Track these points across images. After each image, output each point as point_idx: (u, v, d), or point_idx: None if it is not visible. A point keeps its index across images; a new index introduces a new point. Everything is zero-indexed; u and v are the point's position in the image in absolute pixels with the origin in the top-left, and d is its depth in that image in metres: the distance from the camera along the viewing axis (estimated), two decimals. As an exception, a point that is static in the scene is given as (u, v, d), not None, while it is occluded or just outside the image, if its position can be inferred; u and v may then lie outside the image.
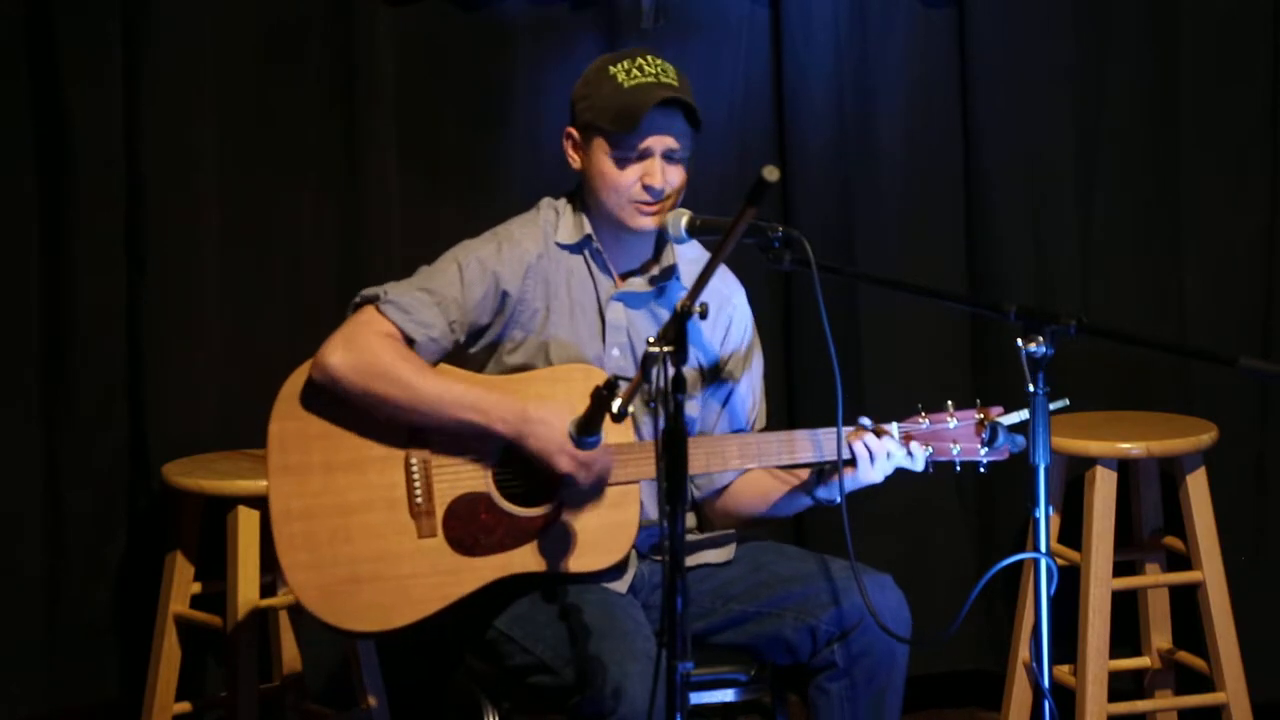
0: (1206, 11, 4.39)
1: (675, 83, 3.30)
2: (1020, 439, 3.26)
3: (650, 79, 3.29)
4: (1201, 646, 4.15)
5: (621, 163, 3.29)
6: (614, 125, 3.27)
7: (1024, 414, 3.14)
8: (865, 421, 3.29)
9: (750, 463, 3.34)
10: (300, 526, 3.23)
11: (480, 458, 3.27)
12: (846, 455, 3.25)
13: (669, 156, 3.30)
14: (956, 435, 3.31)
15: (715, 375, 3.46)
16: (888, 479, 3.31)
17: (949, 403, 3.32)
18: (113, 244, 4.12)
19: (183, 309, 4.16)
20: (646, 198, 3.29)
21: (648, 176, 3.29)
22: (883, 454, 3.26)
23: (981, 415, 3.31)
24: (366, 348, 3.23)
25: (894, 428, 3.30)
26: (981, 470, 3.36)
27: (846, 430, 3.25)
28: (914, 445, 3.29)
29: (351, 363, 3.22)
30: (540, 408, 3.21)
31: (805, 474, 3.38)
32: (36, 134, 4.07)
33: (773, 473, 3.43)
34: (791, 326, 4.41)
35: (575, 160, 3.36)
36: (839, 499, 3.23)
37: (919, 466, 3.30)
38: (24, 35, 4.04)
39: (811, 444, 3.31)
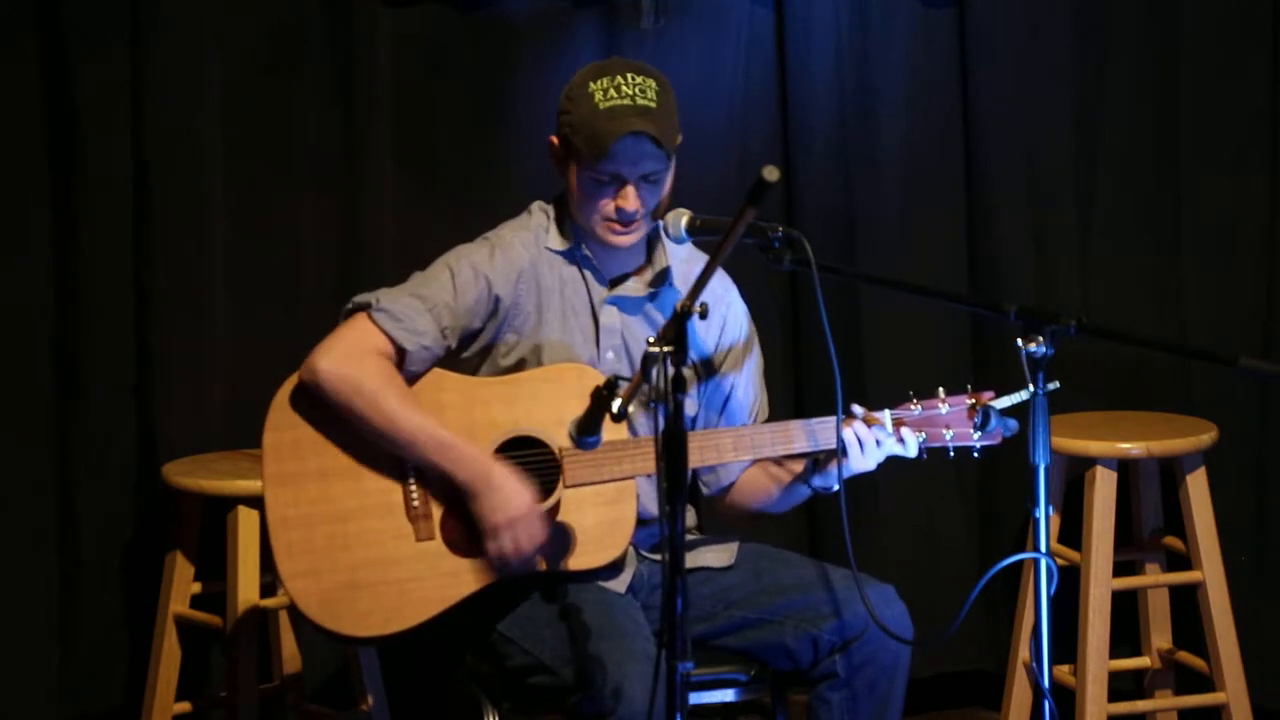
0: (1206, 11, 4.39)
1: (653, 103, 3.28)
2: (1013, 422, 3.26)
3: (626, 101, 3.27)
4: (1201, 646, 4.15)
5: (594, 185, 3.29)
6: (585, 151, 3.27)
7: (1015, 398, 3.15)
8: (857, 410, 3.29)
9: (745, 455, 3.34)
10: (298, 535, 3.23)
11: None
12: (792, 449, 3.28)
13: (643, 179, 3.29)
14: (949, 420, 3.30)
15: (711, 372, 3.46)
16: (880, 467, 3.31)
17: (940, 389, 3.32)
18: (120, 243, 4.12)
19: (189, 308, 4.16)
20: (618, 219, 3.29)
21: (620, 199, 3.28)
22: (872, 442, 3.27)
23: (973, 400, 3.31)
24: (357, 363, 3.23)
25: (886, 414, 3.30)
26: (975, 455, 3.35)
27: (826, 426, 3.26)
28: (905, 431, 3.29)
29: (340, 375, 3.22)
30: (504, 477, 3.21)
31: (801, 465, 3.38)
32: (44, 134, 4.07)
33: (771, 466, 3.43)
34: (799, 321, 4.41)
35: (557, 169, 3.37)
36: (835, 486, 3.26)
37: (911, 453, 3.30)
38: (33, 35, 4.05)
39: (806, 434, 3.31)
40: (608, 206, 3.29)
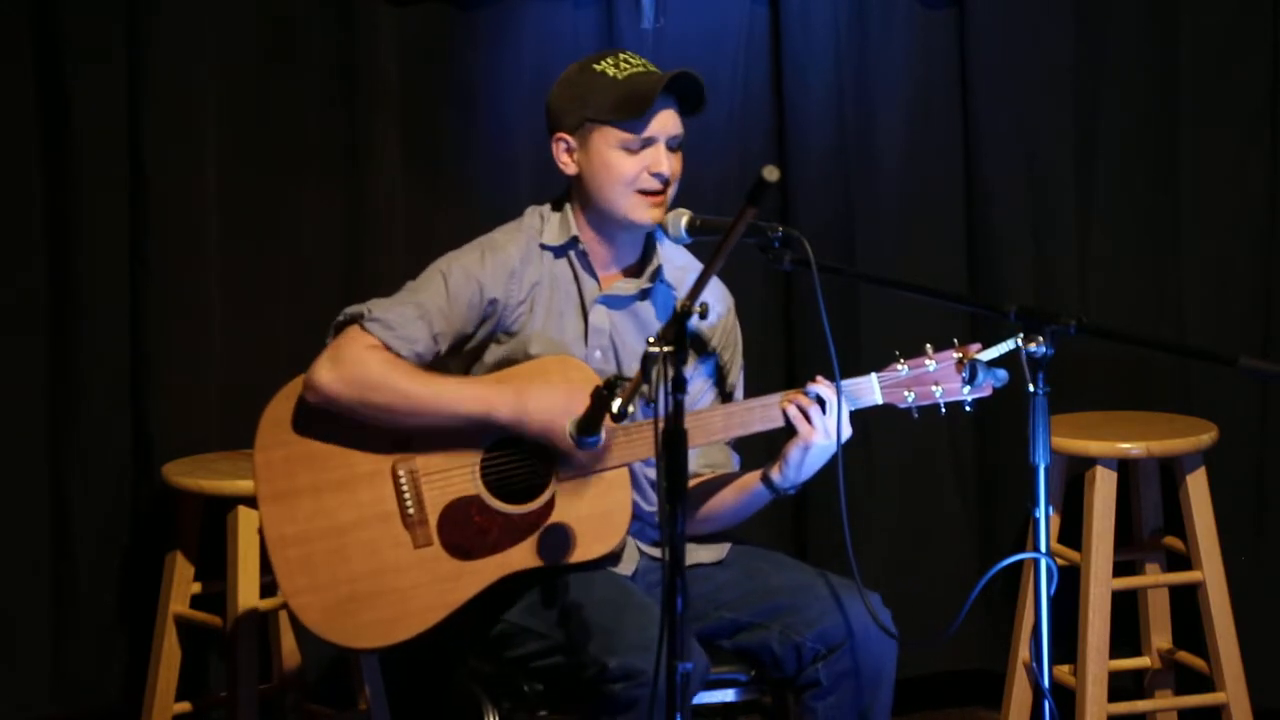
0: (1206, 12, 4.39)
1: (657, 70, 3.32)
2: (1002, 373, 3.23)
3: (640, 69, 3.31)
4: (1201, 646, 4.15)
5: (628, 152, 3.28)
6: (620, 113, 3.26)
7: (1002, 348, 3.10)
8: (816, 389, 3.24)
9: (735, 432, 3.30)
10: (296, 552, 3.23)
11: (466, 461, 3.27)
12: (781, 424, 3.24)
13: (670, 144, 3.30)
14: (938, 377, 3.25)
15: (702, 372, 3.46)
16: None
17: (927, 346, 3.27)
18: (116, 242, 4.12)
19: (186, 308, 4.16)
20: (655, 185, 3.29)
21: (654, 164, 3.29)
22: (817, 413, 3.21)
23: (960, 354, 3.26)
24: (355, 361, 3.23)
25: (873, 378, 3.26)
26: (968, 409, 3.30)
27: (778, 398, 3.24)
28: (851, 386, 3.24)
29: (343, 378, 3.22)
30: (536, 394, 3.21)
31: (755, 475, 3.34)
32: (40, 133, 4.08)
33: (731, 475, 3.41)
34: (792, 318, 4.40)
35: (570, 165, 3.35)
36: (791, 487, 3.26)
37: (878, 398, 3.27)
38: (28, 33, 4.05)
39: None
40: (642, 174, 3.29)
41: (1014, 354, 2.99)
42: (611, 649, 3.09)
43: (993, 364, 3.22)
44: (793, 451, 3.24)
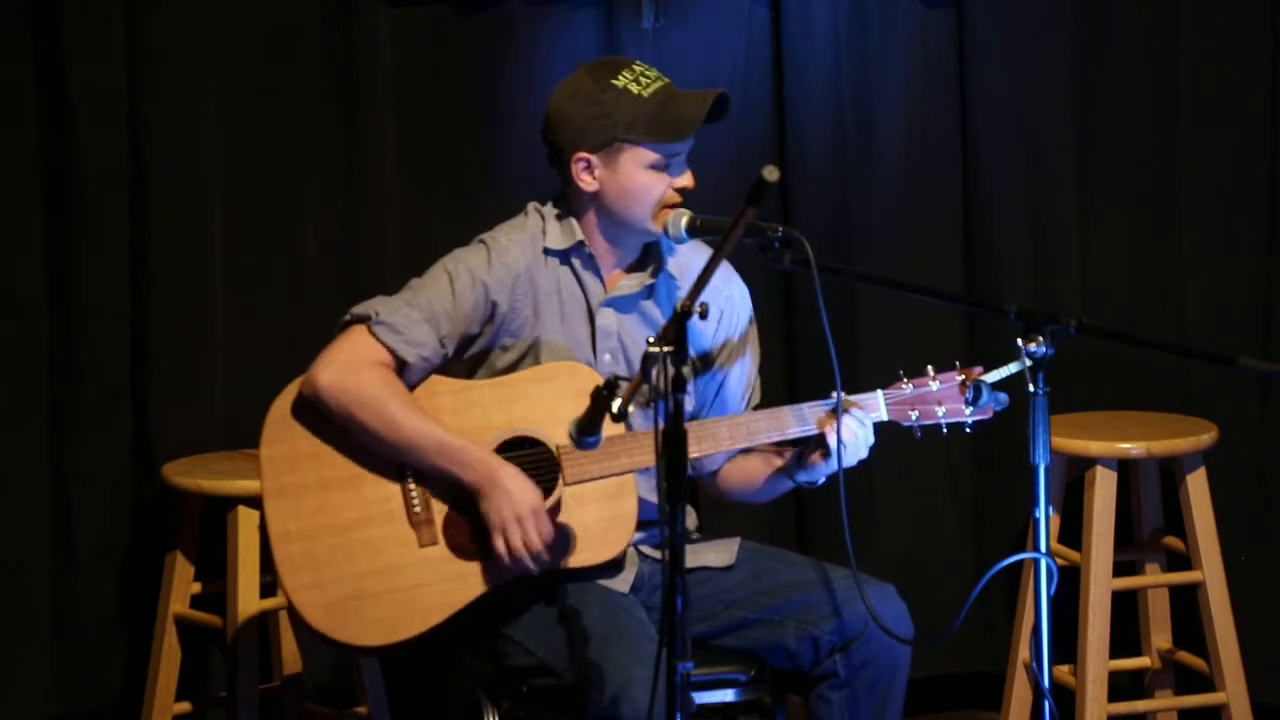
0: (1206, 11, 4.38)
1: (672, 83, 3.32)
2: (1003, 396, 3.25)
3: (660, 82, 3.31)
4: (1201, 646, 4.15)
5: (656, 170, 3.29)
6: (658, 135, 3.27)
7: (1005, 371, 3.14)
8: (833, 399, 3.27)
9: (741, 442, 3.32)
10: (300, 547, 3.23)
11: None
12: (787, 437, 3.28)
13: (688, 157, 3.33)
14: (941, 397, 3.29)
15: (708, 366, 3.46)
16: (872, 461, 3.31)
17: (929, 367, 3.31)
18: (117, 244, 4.12)
19: (186, 309, 4.15)
20: (678, 198, 3.31)
21: (680, 180, 3.31)
22: (851, 434, 3.24)
23: (963, 376, 3.29)
24: (358, 374, 3.23)
25: (878, 395, 3.28)
26: (967, 431, 3.33)
27: (817, 411, 3.26)
28: (879, 413, 3.28)
29: (343, 387, 3.22)
30: (510, 475, 3.21)
31: (786, 457, 3.37)
32: (40, 134, 4.07)
33: (762, 457, 3.43)
34: (793, 320, 4.40)
35: (591, 184, 3.33)
36: (820, 480, 3.29)
37: (883, 415, 3.28)
38: (28, 35, 4.05)
39: (798, 419, 3.29)
40: (668, 191, 3.31)
41: (1010, 351, 3.00)
42: (594, 686, 3.10)
43: (995, 386, 3.24)
44: (820, 463, 3.28)
